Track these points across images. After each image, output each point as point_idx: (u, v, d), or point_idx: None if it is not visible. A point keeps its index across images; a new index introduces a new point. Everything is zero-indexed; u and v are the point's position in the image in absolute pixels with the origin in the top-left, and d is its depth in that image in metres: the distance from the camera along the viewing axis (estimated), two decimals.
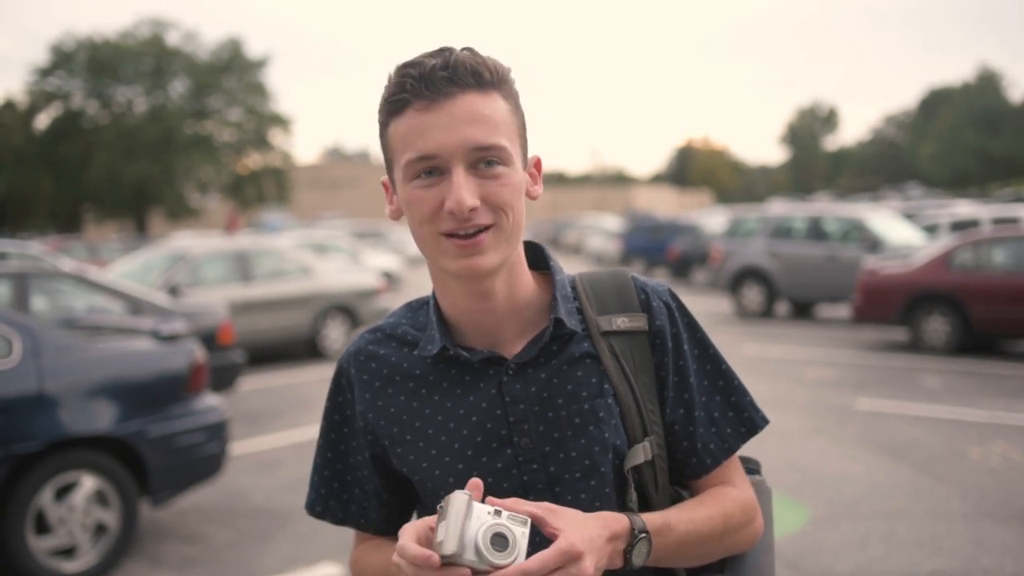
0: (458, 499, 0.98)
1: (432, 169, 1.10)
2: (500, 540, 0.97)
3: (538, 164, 1.22)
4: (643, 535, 1.09)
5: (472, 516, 0.98)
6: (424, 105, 1.09)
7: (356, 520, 1.31)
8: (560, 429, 1.18)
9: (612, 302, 1.26)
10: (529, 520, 1.00)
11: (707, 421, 1.26)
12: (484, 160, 1.10)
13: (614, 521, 1.08)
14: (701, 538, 1.18)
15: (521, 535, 0.98)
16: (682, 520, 1.16)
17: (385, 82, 1.14)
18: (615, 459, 1.19)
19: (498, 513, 0.98)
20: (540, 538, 1.02)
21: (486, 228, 1.10)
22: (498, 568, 0.96)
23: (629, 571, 1.11)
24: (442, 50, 1.11)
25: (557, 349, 1.21)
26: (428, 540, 1.00)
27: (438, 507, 1.00)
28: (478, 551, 0.96)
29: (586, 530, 1.03)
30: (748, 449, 1.34)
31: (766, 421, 1.30)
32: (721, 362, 1.30)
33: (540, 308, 1.23)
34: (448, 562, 0.96)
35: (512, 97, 1.15)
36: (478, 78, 1.10)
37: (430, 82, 1.08)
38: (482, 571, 0.97)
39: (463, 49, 1.12)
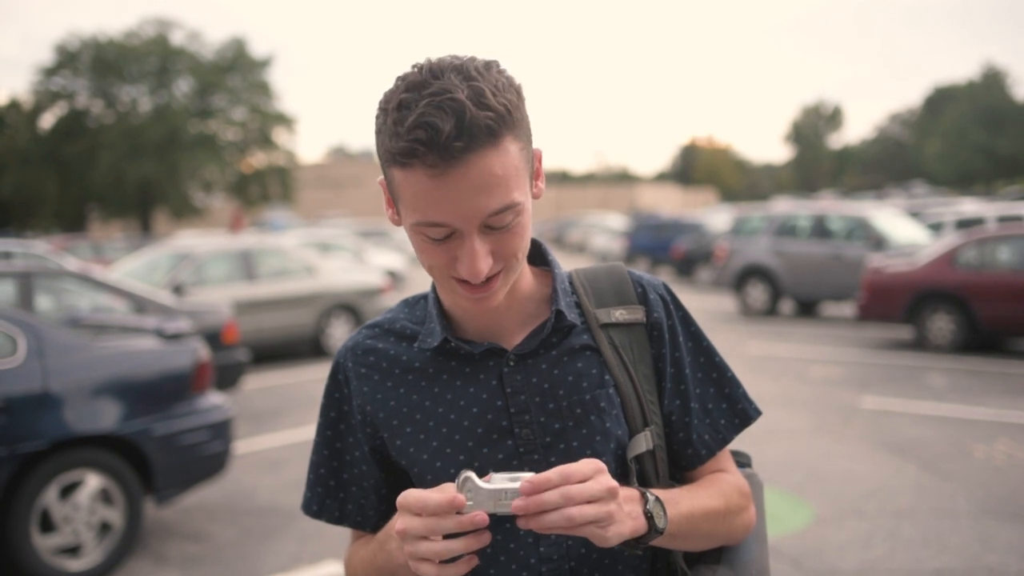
0: (471, 475, 1.00)
1: (443, 231, 1.07)
2: (516, 480, 0.99)
3: (539, 158, 1.18)
4: (654, 497, 1.10)
5: (492, 481, 1.00)
6: (434, 173, 1.02)
7: (352, 519, 1.31)
8: (561, 420, 1.19)
9: (610, 295, 1.27)
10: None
11: (702, 412, 1.28)
12: (495, 224, 1.07)
13: (625, 488, 1.09)
14: (707, 514, 1.19)
15: (521, 469, 1.01)
16: (686, 495, 1.18)
17: (387, 104, 1.05)
18: (616, 449, 1.20)
19: (514, 480, 1.00)
20: None
21: (497, 275, 1.11)
22: (510, 496, 0.98)
23: (645, 548, 1.13)
24: (451, 102, 1.00)
25: (557, 341, 1.22)
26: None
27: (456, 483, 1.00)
28: (496, 500, 0.98)
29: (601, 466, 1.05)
30: (753, 447, 1.35)
31: (759, 412, 1.33)
32: (714, 354, 1.31)
33: (540, 302, 1.25)
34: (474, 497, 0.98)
35: (520, 126, 1.07)
36: (491, 134, 1.02)
37: (444, 151, 1.00)
38: (501, 505, 0.98)
39: (470, 90, 1.02)
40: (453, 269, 1.10)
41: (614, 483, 1.02)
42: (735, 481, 1.28)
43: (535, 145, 1.16)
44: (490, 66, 1.07)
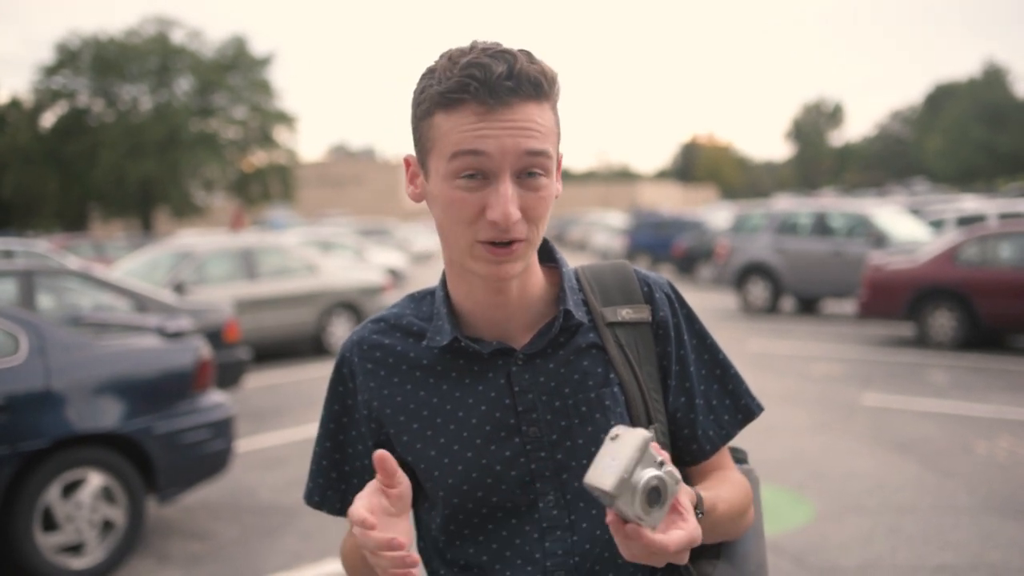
0: (636, 436, 0.96)
1: (477, 171, 1.09)
2: (655, 494, 0.96)
3: (559, 161, 1.23)
4: (700, 514, 1.13)
5: (644, 460, 0.96)
6: (483, 109, 1.08)
7: None
8: (567, 418, 1.20)
9: (616, 294, 1.28)
10: (680, 480, 0.99)
11: (706, 408, 1.30)
12: (529, 170, 1.10)
13: (689, 494, 1.11)
14: (729, 517, 1.23)
15: (672, 494, 0.97)
16: (720, 499, 1.21)
17: (433, 68, 1.12)
18: None
19: (662, 464, 0.97)
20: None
21: (519, 240, 1.12)
22: (641, 523, 0.96)
23: None
24: (504, 52, 1.09)
25: (564, 340, 1.23)
26: (381, 507, 1.08)
27: (609, 437, 0.98)
28: (634, 498, 0.95)
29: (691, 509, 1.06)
30: (755, 444, 1.36)
31: (761, 408, 1.35)
32: (718, 351, 1.33)
33: (548, 300, 1.25)
34: (601, 496, 0.96)
35: (556, 104, 1.16)
36: (537, 89, 1.10)
37: (494, 89, 1.07)
38: (626, 517, 0.96)
39: (521, 52, 1.11)
40: (480, 224, 1.11)
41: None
42: (742, 482, 1.31)
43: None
44: (531, 53, 1.15)
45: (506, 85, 1.07)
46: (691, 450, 1.29)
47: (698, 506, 1.13)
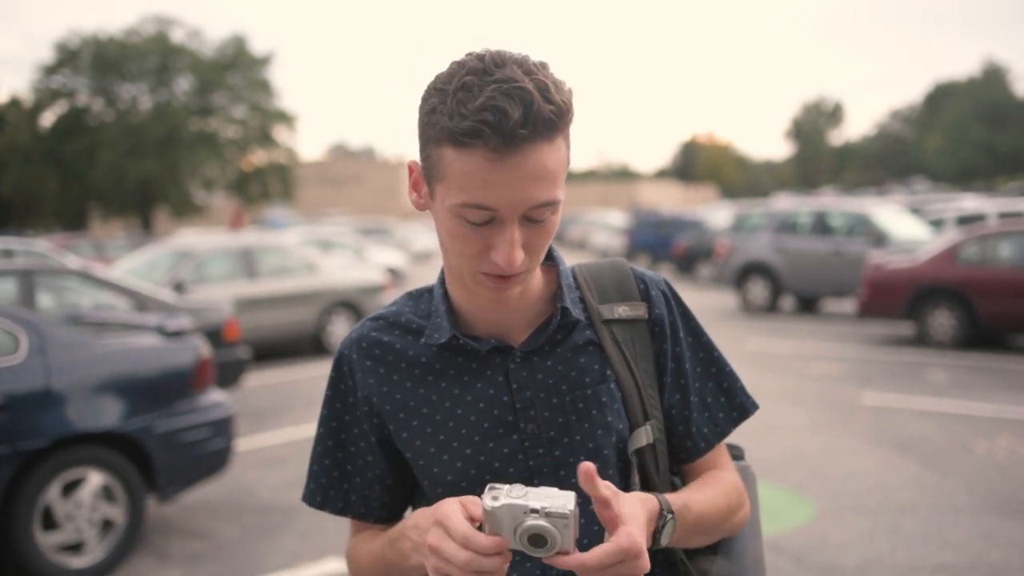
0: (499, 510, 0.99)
1: (484, 218, 1.08)
2: (538, 539, 0.98)
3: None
4: (670, 516, 1.13)
5: (511, 517, 0.98)
6: (494, 157, 1.03)
7: (356, 509, 1.31)
8: (564, 414, 1.21)
9: (612, 291, 1.29)
10: (574, 496, 0.99)
11: (701, 406, 1.30)
12: (536, 217, 1.09)
13: (649, 502, 1.11)
14: (712, 518, 1.23)
15: (563, 526, 0.97)
16: (697, 500, 1.20)
17: (444, 87, 1.06)
18: (618, 443, 1.23)
19: (535, 512, 0.98)
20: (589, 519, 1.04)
21: (522, 272, 1.12)
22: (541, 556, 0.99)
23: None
24: (520, 91, 1.02)
25: (562, 337, 1.24)
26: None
27: (484, 507, 0.99)
28: (522, 545, 0.99)
29: (641, 519, 1.04)
30: (754, 443, 1.37)
31: (756, 406, 1.35)
32: (713, 349, 1.34)
33: (545, 298, 1.26)
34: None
35: (569, 126, 1.11)
36: (551, 128, 1.05)
37: (509, 136, 1.02)
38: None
39: (536, 84, 1.04)
40: (483, 259, 1.10)
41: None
42: (733, 480, 1.31)
43: None
44: (545, 65, 1.09)
45: (521, 133, 1.03)
46: (685, 447, 1.29)
47: (665, 510, 1.12)
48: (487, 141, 1.02)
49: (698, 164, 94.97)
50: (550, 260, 1.29)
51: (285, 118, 43.76)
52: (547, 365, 1.22)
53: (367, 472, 1.29)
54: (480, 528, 0.99)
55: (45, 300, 6.83)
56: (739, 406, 1.33)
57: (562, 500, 0.98)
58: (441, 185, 1.10)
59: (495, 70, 1.04)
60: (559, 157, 1.08)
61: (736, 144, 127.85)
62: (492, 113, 1.02)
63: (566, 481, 1.19)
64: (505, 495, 0.98)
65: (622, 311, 1.27)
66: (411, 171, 1.19)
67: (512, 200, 1.06)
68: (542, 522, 0.97)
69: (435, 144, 1.08)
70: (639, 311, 1.28)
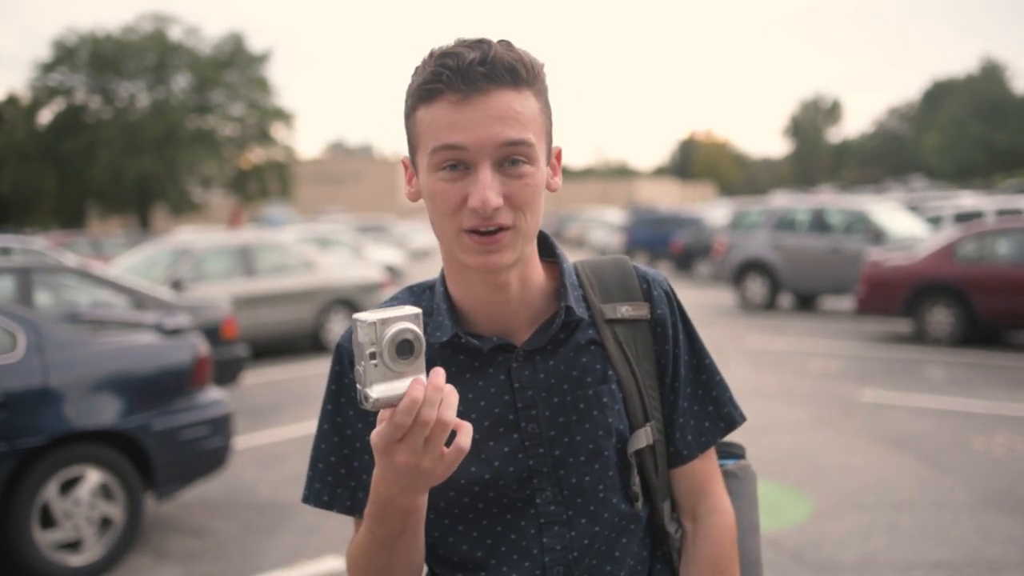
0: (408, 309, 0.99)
1: (457, 163, 1.09)
2: (404, 346, 0.97)
3: (559, 155, 1.22)
4: None
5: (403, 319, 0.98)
6: (458, 98, 1.08)
7: (364, 507, 1.25)
8: (565, 414, 1.20)
9: (615, 290, 1.28)
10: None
11: (688, 413, 1.29)
12: (510, 158, 1.09)
13: None
14: None
15: (417, 321, 0.98)
16: None
17: (418, 65, 1.13)
18: (618, 443, 1.22)
19: (395, 320, 0.98)
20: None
21: (506, 228, 1.11)
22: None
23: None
24: (480, 42, 1.10)
25: (564, 337, 1.23)
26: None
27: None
28: (391, 359, 0.97)
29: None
30: (753, 440, 1.37)
31: (743, 418, 1.33)
32: (705, 356, 1.33)
33: (548, 296, 1.25)
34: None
35: (543, 94, 1.15)
36: (514, 75, 1.09)
37: (466, 76, 1.07)
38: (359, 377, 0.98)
39: (500, 42, 1.11)
40: (463, 212, 1.10)
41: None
42: (724, 539, 1.28)
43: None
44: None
45: (479, 71, 1.07)
46: (668, 453, 1.28)
47: None
48: (448, 84, 1.08)
49: (696, 161, 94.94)
50: (553, 257, 1.28)
51: (283, 116, 43.70)
52: (549, 364, 1.21)
53: (373, 469, 1.27)
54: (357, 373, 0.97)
55: (43, 298, 6.82)
56: (727, 416, 1.31)
57: (407, 307, 1.00)
58: (419, 151, 1.13)
59: (461, 39, 1.12)
60: (528, 107, 1.11)
61: (734, 142, 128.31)
62: (451, 58, 1.08)
63: (566, 480, 1.19)
64: (364, 319, 0.98)
65: (625, 311, 1.26)
66: (405, 167, 1.21)
67: (480, 137, 1.07)
68: (402, 324, 0.97)
69: (411, 113, 1.13)
70: (642, 311, 1.27)
